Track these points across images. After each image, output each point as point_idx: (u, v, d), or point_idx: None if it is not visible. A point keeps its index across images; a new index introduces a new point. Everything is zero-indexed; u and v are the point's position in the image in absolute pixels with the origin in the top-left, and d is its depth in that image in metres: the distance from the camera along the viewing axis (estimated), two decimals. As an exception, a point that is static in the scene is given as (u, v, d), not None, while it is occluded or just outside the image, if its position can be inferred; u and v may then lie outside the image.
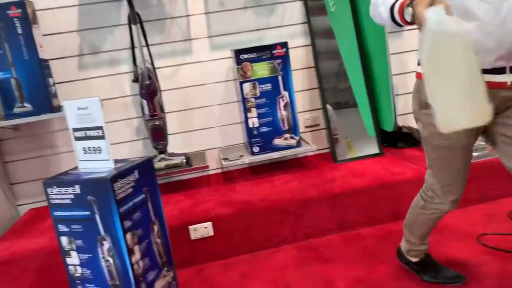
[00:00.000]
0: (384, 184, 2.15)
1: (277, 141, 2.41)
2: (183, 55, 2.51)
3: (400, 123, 2.74)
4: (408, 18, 1.15)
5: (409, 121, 2.78)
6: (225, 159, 2.36)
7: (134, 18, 2.22)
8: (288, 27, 2.58)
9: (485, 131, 1.38)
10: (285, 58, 2.32)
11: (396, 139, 2.65)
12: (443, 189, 1.45)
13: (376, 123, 2.56)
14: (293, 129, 2.40)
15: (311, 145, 2.45)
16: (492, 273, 1.64)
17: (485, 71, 1.17)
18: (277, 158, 2.49)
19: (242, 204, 2.11)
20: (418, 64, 1.33)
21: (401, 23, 1.20)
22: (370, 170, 2.33)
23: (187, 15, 2.48)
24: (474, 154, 2.21)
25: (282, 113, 2.38)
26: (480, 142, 2.24)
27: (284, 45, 2.32)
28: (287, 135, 2.41)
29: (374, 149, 2.58)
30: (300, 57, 2.61)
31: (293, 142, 2.41)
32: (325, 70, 2.61)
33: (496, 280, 1.60)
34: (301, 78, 2.64)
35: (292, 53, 2.48)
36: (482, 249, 1.82)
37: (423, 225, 1.57)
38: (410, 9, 1.11)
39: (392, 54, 2.59)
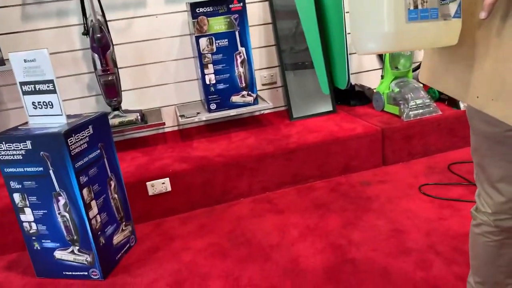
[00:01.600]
0: (336, 140, 2.25)
1: (234, 98, 2.42)
2: (136, 8, 2.41)
3: (353, 81, 2.83)
4: None
5: (362, 80, 2.88)
6: (182, 116, 2.35)
7: (82, -34, 2.09)
8: (245, -19, 2.52)
9: None
10: (242, 13, 2.30)
11: (349, 97, 2.75)
12: None
13: (330, 82, 2.63)
14: (250, 86, 2.42)
15: (268, 102, 2.49)
16: (431, 218, 1.81)
17: None
18: (234, 115, 2.51)
19: (199, 160, 2.14)
20: None
21: None
22: (324, 126, 2.42)
23: (139, -35, 2.36)
24: (419, 111, 2.36)
25: (239, 69, 2.38)
26: (425, 99, 2.38)
27: None
28: (244, 93, 2.42)
29: (328, 106, 2.66)
30: (257, 12, 2.59)
31: (250, 99, 2.44)
32: (284, 31, 2.62)
33: (434, 224, 1.76)
34: (258, 34, 2.63)
35: (249, 8, 2.45)
36: (423, 198, 1.98)
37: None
38: None
39: (347, 12, 2.62)
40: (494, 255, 1.09)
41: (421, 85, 2.44)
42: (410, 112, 2.33)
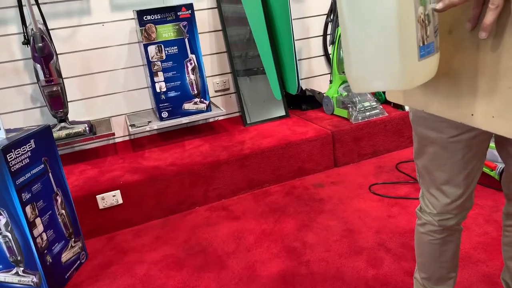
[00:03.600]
0: (289, 143, 2.28)
1: (187, 106, 2.40)
2: (80, 16, 2.33)
3: (304, 86, 2.89)
4: None
5: (313, 85, 2.94)
6: (132, 125, 2.30)
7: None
8: (193, -12, 2.52)
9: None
10: (191, 20, 2.29)
11: (300, 102, 2.80)
12: None
13: (282, 87, 2.67)
14: (203, 93, 2.41)
15: (221, 109, 2.48)
16: (380, 217, 1.87)
17: None
18: (187, 123, 2.49)
19: (151, 170, 2.09)
20: None
21: None
22: (277, 131, 2.45)
23: (83, -29, 2.29)
24: (367, 113, 2.44)
25: (190, 77, 2.36)
26: (372, 102, 2.47)
27: (189, 7, 2.27)
28: (196, 100, 2.41)
29: (281, 111, 2.70)
30: (206, 20, 2.59)
31: (202, 106, 2.42)
32: (236, 37, 2.63)
33: (383, 222, 1.83)
34: (209, 41, 2.63)
35: (198, 16, 2.44)
36: (373, 197, 2.05)
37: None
38: None
39: (294, 19, 2.68)
40: (437, 252, 1.14)
41: (368, 88, 2.53)
42: (358, 115, 2.41)
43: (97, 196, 1.95)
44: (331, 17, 2.62)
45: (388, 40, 0.71)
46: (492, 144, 1.07)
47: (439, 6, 0.73)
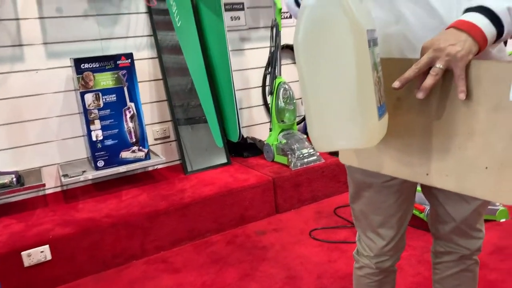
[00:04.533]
0: (230, 191, 2.28)
1: (124, 154, 2.33)
2: (12, 62, 2.25)
3: (245, 134, 2.95)
4: None
5: (254, 132, 3.01)
6: (65, 175, 2.18)
7: None
8: (133, 38, 2.54)
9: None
10: (131, 69, 2.29)
11: (242, 149, 2.84)
12: None
13: (223, 135, 2.70)
14: (141, 141, 2.37)
15: (161, 157, 2.45)
16: (321, 262, 1.89)
17: None
18: (125, 172, 2.41)
19: (85, 222, 1.98)
20: None
21: None
22: (219, 178, 2.44)
23: (17, 19, 2.24)
24: (305, 160, 2.53)
25: (128, 124, 2.32)
26: (310, 149, 2.56)
27: (129, 56, 2.28)
28: (135, 148, 2.36)
29: (222, 159, 2.71)
30: (147, 69, 2.60)
31: (141, 154, 2.37)
32: (178, 86, 2.66)
33: (324, 266, 1.84)
34: (149, 90, 2.63)
35: (139, 65, 2.45)
36: (314, 242, 2.07)
37: None
38: None
39: (235, 70, 2.78)
40: None
41: (305, 136, 2.64)
42: (297, 162, 2.49)
43: (22, 253, 1.79)
44: (269, 70, 2.75)
45: (350, 102, 0.74)
46: (419, 188, 1.15)
47: (397, 84, 0.79)
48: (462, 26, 0.76)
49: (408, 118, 0.88)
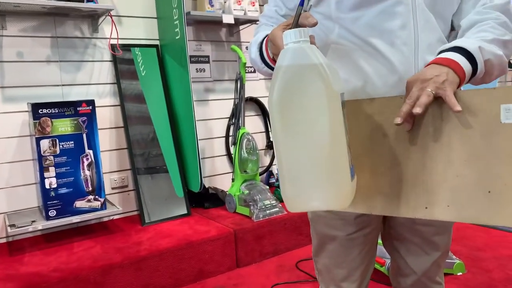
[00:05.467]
0: (189, 244, 2.20)
1: (79, 204, 2.22)
2: (-36, 105, 2.15)
3: (207, 184, 2.90)
4: (271, 50, 0.89)
5: (215, 183, 2.98)
6: (12, 225, 2.04)
7: None
8: (96, 85, 2.52)
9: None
10: (91, 116, 2.24)
11: (203, 200, 2.78)
12: None
13: (184, 185, 2.65)
14: (98, 190, 2.27)
15: (117, 207, 2.34)
16: (282, 319, 1.82)
17: None
18: (78, 222, 2.28)
19: (30, 277, 1.82)
20: None
21: (269, 62, 0.95)
22: (178, 230, 2.36)
23: (-26, 61, 2.17)
24: (267, 211, 2.50)
25: (85, 172, 2.23)
26: (272, 200, 2.55)
27: (91, 103, 2.24)
28: (90, 197, 2.25)
29: (182, 210, 2.64)
30: (108, 116, 2.56)
31: (97, 204, 2.27)
32: (139, 135, 2.61)
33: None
34: (109, 137, 2.57)
35: (100, 112, 2.41)
36: (275, 298, 2.00)
37: None
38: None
39: (199, 120, 2.79)
40: None
41: (268, 187, 2.63)
42: (260, 213, 2.46)
43: (-47, 313, 1.61)
44: (233, 120, 2.78)
45: (325, 164, 0.73)
46: (379, 241, 1.15)
47: (399, 120, 0.79)
48: (442, 62, 0.81)
49: (397, 153, 0.86)
